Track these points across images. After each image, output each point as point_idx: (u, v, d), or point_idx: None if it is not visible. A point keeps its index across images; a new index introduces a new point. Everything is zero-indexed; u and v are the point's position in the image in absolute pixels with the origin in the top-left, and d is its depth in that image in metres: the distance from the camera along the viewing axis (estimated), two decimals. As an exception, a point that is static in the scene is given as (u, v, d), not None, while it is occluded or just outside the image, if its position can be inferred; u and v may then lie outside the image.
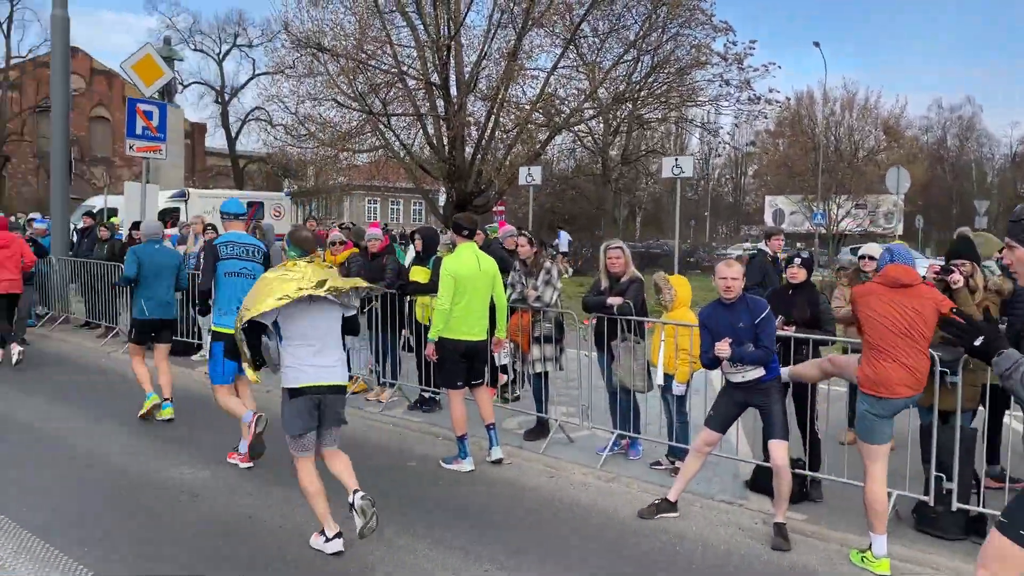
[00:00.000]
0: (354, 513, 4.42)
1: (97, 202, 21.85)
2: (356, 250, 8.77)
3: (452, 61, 21.34)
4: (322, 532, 4.62)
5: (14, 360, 9.72)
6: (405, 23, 21.52)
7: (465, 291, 6.22)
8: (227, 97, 50.28)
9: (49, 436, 6.96)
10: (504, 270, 6.86)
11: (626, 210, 48.87)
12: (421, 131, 22.40)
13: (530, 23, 20.56)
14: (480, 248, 6.76)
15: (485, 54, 21.26)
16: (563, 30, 21.57)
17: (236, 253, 6.44)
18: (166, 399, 7.46)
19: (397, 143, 22.56)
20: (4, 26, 42.70)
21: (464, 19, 20.99)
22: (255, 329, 4.46)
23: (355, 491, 4.50)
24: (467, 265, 6.28)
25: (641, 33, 22.23)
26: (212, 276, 6.43)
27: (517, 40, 20.64)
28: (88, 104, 49.10)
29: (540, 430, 7.11)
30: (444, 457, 6.46)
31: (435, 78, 21.31)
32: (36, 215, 15.38)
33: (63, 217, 13.50)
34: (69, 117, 12.86)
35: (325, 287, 4.37)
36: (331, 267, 4.78)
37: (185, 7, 71.24)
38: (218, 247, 6.46)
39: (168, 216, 20.15)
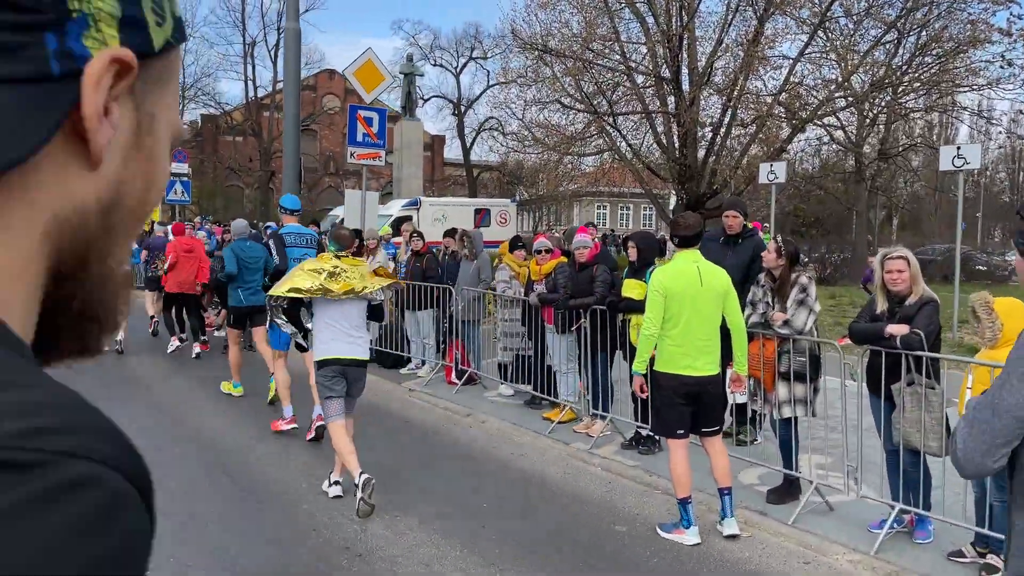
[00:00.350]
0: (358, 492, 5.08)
1: (339, 211, 22.88)
2: (564, 259, 7.69)
3: (684, 54, 19.84)
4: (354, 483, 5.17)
5: (194, 354, 10.63)
6: (634, 16, 20.34)
7: (682, 312, 4.90)
8: (463, 109, 52.09)
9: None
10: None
11: (882, 212, 43.96)
12: (650, 130, 21.11)
13: (772, 8, 18.52)
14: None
15: (721, 42, 19.50)
16: (811, 15, 19.24)
17: (298, 242, 7.43)
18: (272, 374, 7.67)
19: (624, 144, 21.43)
20: (272, 52, 47.12)
21: (698, 7, 19.39)
22: (295, 303, 5.45)
23: (335, 482, 5.51)
24: (683, 279, 4.95)
25: (904, 11, 19.29)
26: (286, 258, 7.27)
27: (759, 24, 18.66)
28: (343, 122, 53.03)
29: (788, 490, 5.56)
30: (662, 523, 5.14)
31: (665, 72, 19.94)
32: (272, 224, 16.03)
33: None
34: (298, 124, 13.07)
35: (340, 288, 5.26)
36: (363, 263, 5.72)
37: (427, 24, 75.28)
38: (284, 236, 7.50)
39: (401, 224, 20.50)
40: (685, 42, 19.68)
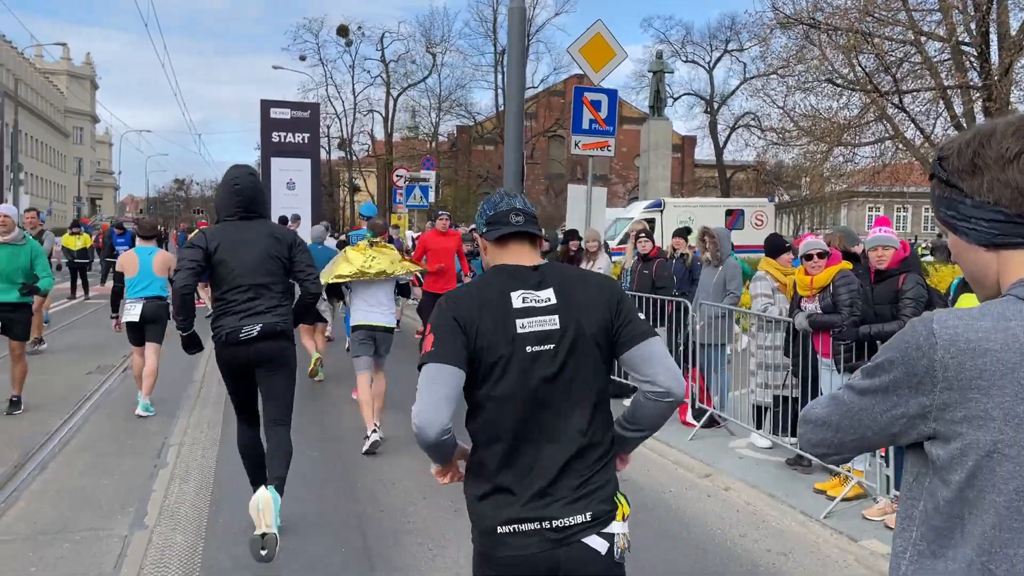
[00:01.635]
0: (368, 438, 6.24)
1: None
2: (848, 265, 5.43)
3: (993, 14, 16.08)
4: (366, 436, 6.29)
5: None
6: (928, -26, 16.88)
7: None
8: (716, 106, 48.93)
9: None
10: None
11: None
12: (944, 110, 17.42)
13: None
14: None
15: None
16: None
17: None
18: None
19: (912, 129, 17.90)
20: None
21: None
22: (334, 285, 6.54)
23: (373, 429, 6.29)
24: None
25: None
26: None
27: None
28: (588, 126, 52.13)
29: None
30: None
31: (966, 38, 16.31)
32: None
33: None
34: (521, 108, 11.71)
35: (373, 271, 6.33)
36: (392, 249, 6.68)
37: (679, 20, 72.54)
38: (351, 237, 8.18)
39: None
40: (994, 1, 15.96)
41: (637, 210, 23.23)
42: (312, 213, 22.89)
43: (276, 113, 26.30)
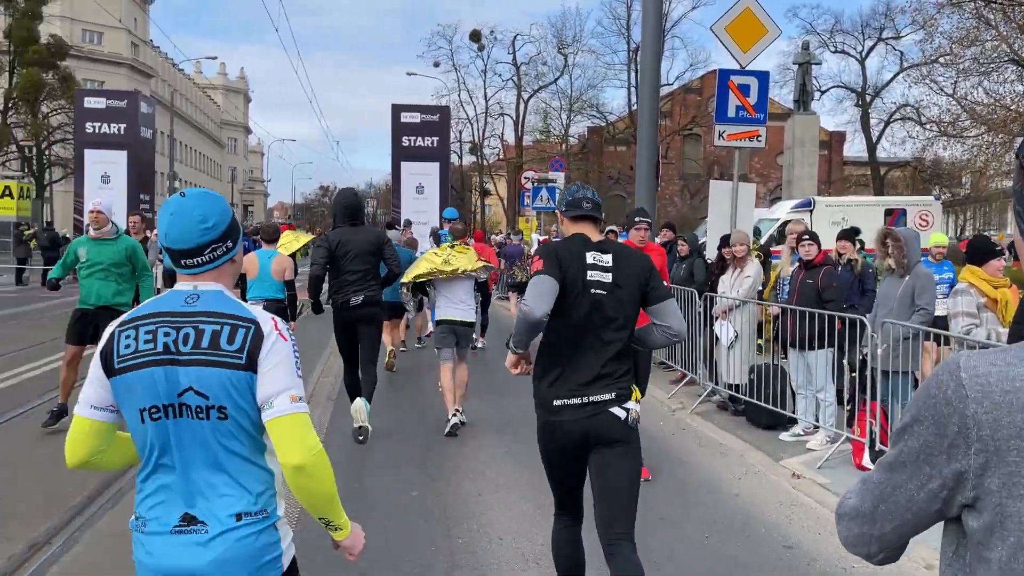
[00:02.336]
0: (449, 421, 6.78)
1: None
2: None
3: None
4: (448, 420, 6.84)
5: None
6: None
7: None
8: (868, 98, 45.40)
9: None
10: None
11: None
12: None
13: None
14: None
15: None
16: None
17: None
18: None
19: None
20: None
21: None
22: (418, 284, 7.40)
23: (455, 411, 6.82)
24: None
25: None
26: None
27: None
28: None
29: None
30: None
31: None
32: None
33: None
34: (656, 103, 10.62)
35: (450, 270, 6.82)
36: (470, 250, 7.18)
37: (827, 8, 68.36)
38: (441, 237, 9.33)
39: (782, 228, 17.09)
40: None
41: (783, 210, 21.44)
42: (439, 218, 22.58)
43: (406, 117, 26.23)
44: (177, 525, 1.85)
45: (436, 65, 47.59)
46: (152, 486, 1.89)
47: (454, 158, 43.86)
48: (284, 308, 7.42)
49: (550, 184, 20.36)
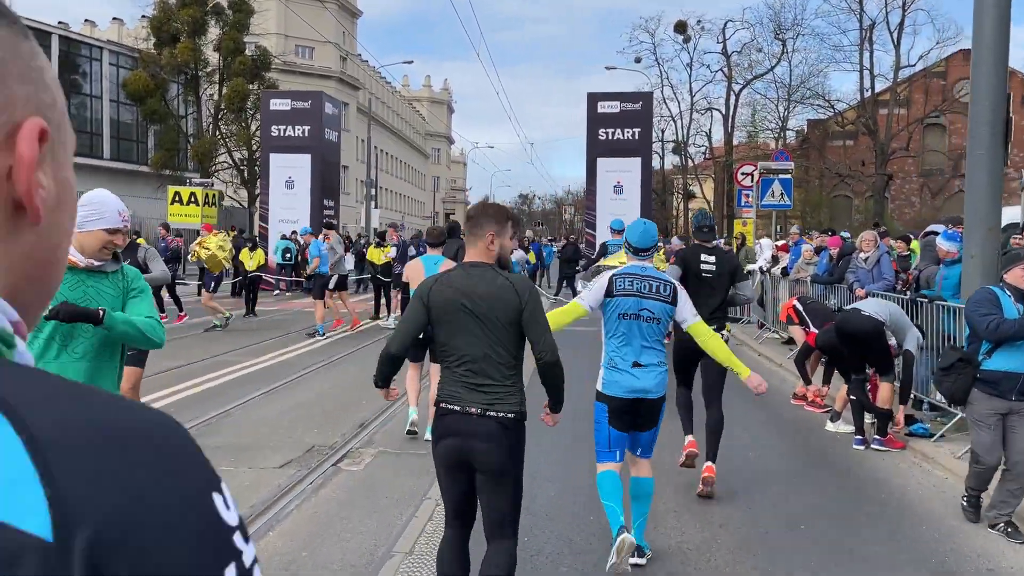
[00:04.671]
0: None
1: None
2: None
3: None
4: None
5: None
6: None
7: None
8: None
9: None
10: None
11: None
12: None
13: None
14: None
15: None
16: None
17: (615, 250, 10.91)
18: None
19: None
20: (895, 33, 39.34)
21: None
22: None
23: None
24: None
25: None
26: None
27: None
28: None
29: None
30: None
31: None
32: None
33: None
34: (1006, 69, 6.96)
35: None
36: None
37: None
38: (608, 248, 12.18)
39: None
40: None
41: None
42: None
43: (604, 107, 23.33)
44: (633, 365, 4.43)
45: (638, 61, 44.51)
46: (615, 344, 4.43)
47: (655, 158, 40.35)
48: None
49: (783, 176, 16.52)
